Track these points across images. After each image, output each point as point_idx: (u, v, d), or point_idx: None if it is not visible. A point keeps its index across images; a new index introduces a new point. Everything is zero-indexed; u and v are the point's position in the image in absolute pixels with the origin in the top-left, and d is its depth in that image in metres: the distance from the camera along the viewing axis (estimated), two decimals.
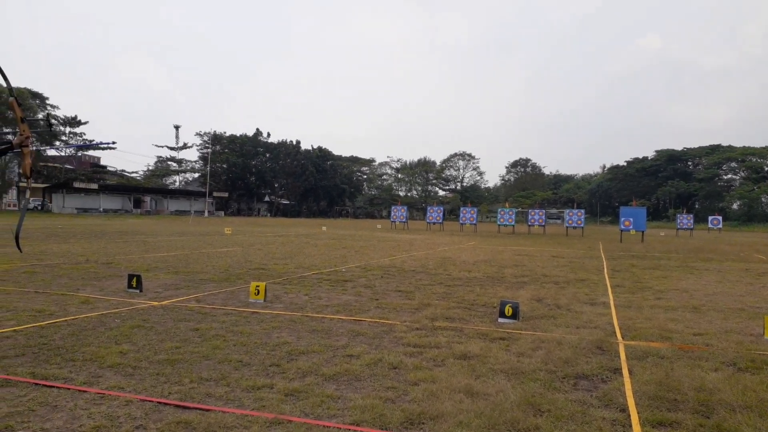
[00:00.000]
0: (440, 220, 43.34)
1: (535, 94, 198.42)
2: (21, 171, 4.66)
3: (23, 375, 4.01)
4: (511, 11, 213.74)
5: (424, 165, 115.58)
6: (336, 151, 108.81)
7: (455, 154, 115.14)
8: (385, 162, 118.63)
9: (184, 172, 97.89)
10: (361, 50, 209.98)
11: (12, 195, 70.49)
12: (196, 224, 41.34)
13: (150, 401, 3.57)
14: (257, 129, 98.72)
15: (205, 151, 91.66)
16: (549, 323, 6.50)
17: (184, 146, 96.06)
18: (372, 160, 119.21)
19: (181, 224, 40.43)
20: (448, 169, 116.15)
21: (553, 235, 36.59)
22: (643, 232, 30.98)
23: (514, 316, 6.55)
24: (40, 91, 70.02)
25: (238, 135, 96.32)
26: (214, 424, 3.23)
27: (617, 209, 45.09)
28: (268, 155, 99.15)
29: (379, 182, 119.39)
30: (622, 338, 5.85)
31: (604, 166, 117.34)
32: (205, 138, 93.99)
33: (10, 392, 3.67)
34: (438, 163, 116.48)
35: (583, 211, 41.12)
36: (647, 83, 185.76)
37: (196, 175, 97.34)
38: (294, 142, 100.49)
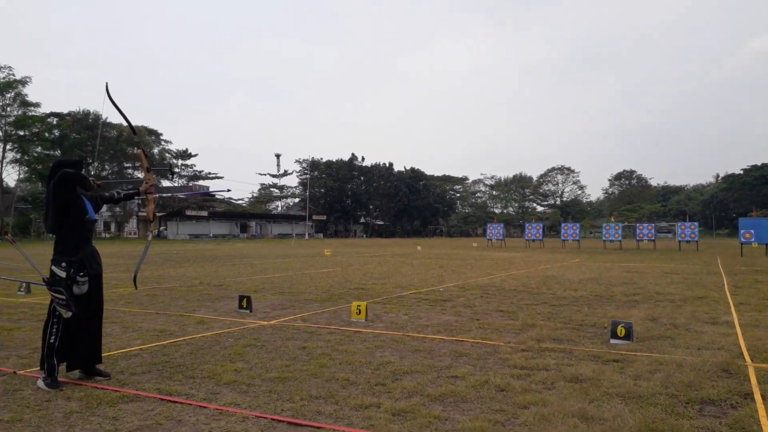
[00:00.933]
0: (540, 237, 42.06)
1: (635, 104, 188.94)
2: (146, 215, 5.09)
3: (150, 390, 4.31)
4: (598, 21, 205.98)
5: (520, 181, 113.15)
6: (428, 171, 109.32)
7: (553, 169, 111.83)
8: (479, 179, 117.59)
9: (286, 197, 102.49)
10: (446, 73, 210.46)
11: (132, 224, 76.74)
12: (297, 246, 42.89)
13: (264, 418, 3.70)
14: (352, 154, 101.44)
15: (304, 177, 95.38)
16: (666, 344, 6.07)
17: (285, 173, 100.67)
18: (465, 179, 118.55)
19: (284, 247, 42.09)
20: (546, 184, 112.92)
21: (665, 250, 34.34)
22: (767, 244, 28.35)
23: (628, 336, 6.18)
24: (155, 128, 76.10)
25: (334, 160, 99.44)
26: None
27: (735, 221, 41.60)
28: (362, 178, 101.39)
29: (473, 200, 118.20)
30: (752, 360, 5.35)
31: (718, 176, 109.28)
32: (304, 164, 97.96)
33: (139, 406, 3.95)
34: (535, 179, 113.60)
35: (696, 223, 38.28)
36: (761, 85, 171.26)
37: (297, 199, 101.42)
38: (387, 165, 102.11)
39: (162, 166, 64.90)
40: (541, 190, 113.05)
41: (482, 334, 6.70)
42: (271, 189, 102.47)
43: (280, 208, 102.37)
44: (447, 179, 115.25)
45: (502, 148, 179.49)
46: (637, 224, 42.21)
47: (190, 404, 3.98)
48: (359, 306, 7.76)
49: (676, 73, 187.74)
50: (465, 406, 4.04)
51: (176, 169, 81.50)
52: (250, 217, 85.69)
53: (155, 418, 3.70)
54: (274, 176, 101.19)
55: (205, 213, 76.06)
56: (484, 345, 6.10)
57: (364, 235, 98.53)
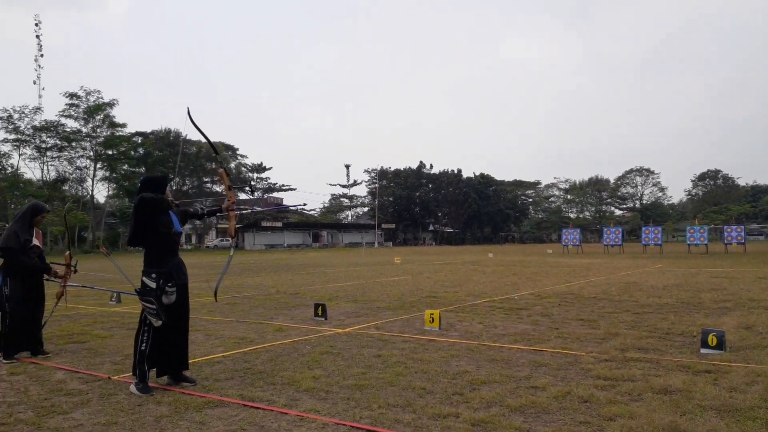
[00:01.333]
0: (619, 242, 40.34)
1: (720, 100, 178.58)
2: (228, 231, 5.32)
3: (233, 396, 4.46)
4: (679, 15, 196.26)
5: (596, 184, 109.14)
6: (498, 177, 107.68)
7: (631, 170, 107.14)
8: (552, 183, 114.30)
9: (355, 206, 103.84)
10: (515, 74, 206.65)
11: (212, 235, 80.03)
12: (368, 255, 43.30)
13: (344, 425, 3.74)
14: (420, 161, 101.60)
15: (373, 186, 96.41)
16: (764, 354, 5.66)
17: (354, 183, 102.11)
18: (537, 183, 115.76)
19: (355, 256, 42.61)
20: (624, 187, 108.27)
21: (757, 254, 32.10)
22: None
23: (720, 346, 5.81)
24: (231, 143, 79.21)
25: (402, 168, 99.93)
26: None
27: None
28: (430, 186, 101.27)
29: (546, 205, 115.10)
30: None
31: None
32: (373, 174, 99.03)
33: (224, 412, 4.09)
34: (612, 181, 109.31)
35: None
36: None
37: (366, 209, 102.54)
38: (455, 171, 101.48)
39: (242, 183, 67.60)
40: (619, 193, 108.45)
41: (562, 344, 6.49)
42: (342, 199, 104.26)
43: (350, 218, 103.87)
44: (518, 184, 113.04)
45: (576, 150, 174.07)
46: (725, 227, 39.75)
47: (272, 410, 4.08)
48: (432, 314, 7.72)
49: (756, 68, 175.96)
50: (547, 417, 3.92)
51: (252, 183, 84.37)
52: (321, 227, 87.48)
53: (239, 423, 3.82)
54: (344, 186, 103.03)
55: (279, 224, 78.32)
56: (565, 355, 5.91)
57: (433, 243, 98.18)
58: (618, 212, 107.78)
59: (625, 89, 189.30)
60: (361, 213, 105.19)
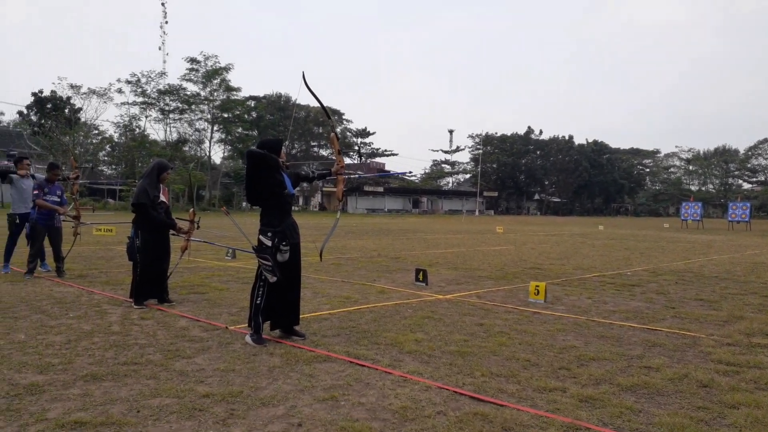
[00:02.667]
0: (746, 218, 37.00)
1: None
2: (335, 195, 5.41)
3: (340, 353, 4.62)
4: None
5: (723, 154, 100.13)
6: (613, 144, 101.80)
7: (764, 140, 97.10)
8: (673, 153, 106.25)
9: (457, 173, 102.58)
10: (634, 35, 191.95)
11: (317, 198, 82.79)
12: (468, 223, 42.92)
13: (447, 389, 3.76)
14: (528, 127, 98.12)
15: (476, 152, 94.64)
16: None
17: (457, 149, 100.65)
18: (656, 152, 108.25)
19: (455, 223, 42.41)
20: (755, 158, 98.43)
21: None
22: None
23: None
24: (337, 108, 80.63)
25: (509, 134, 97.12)
26: (509, 420, 3.25)
27: None
28: (538, 152, 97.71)
29: (665, 176, 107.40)
30: None
31: None
32: (477, 140, 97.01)
33: (331, 367, 4.25)
34: (741, 152, 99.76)
35: None
36: None
37: (468, 175, 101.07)
38: (566, 138, 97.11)
39: (350, 148, 69.14)
40: (749, 165, 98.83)
41: (679, 324, 6.09)
42: (443, 165, 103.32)
43: (451, 184, 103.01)
44: (635, 153, 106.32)
45: (702, 118, 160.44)
46: None
47: (377, 369, 4.19)
48: (537, 286, 7.51)
49: None
50: (661, 399, 3.71)
51: (359, 149, 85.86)
52: (422, 192, 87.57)
53: (345, 379, 3.96)
54: (446, 152, 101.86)
55: (381, 189, 79.43)
56: (682, 336, 5.54)
57: (538, 213, 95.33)
58: (746, 186, 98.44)
59: (762, 52, 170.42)
60: (462, 180, 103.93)
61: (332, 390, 3.72)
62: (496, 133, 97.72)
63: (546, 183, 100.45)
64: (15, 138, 64.16)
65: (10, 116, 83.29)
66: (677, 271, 11.20)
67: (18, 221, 8.79)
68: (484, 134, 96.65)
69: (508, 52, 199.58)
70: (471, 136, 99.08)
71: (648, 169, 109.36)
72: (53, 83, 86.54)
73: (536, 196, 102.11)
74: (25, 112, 56.52)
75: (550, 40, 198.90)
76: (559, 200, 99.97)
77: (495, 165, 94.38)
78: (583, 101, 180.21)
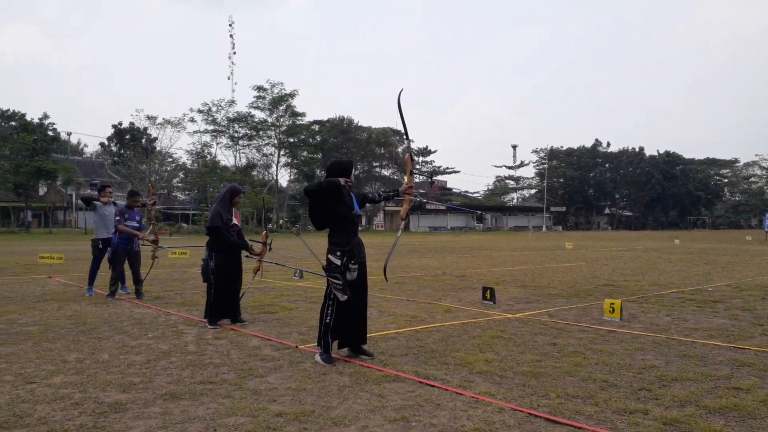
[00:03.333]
0: None
1: None
2: (400, 214, 5.41)
3: (409, 372, 4.58)
4: None
5: None
6: (687, 155, 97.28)
7: None
8: (753, 161, 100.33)
9: (521, 189, 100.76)
10: (708, 42, 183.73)
11: (379, 218, 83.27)
12: (535, 239, 41.96)
13: (521, 411, 3.65)
14: (596, 140, 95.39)
15: (541, 167, 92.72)
16: None
17: (521, 164, 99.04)
18: (734, 161, 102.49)
19: (521, 239, 41.55)
20: None
21: None
22: None
23: None
24: (399, 128, 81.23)
25: (575, 148, 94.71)
26: None
27: None
28: (607, 165, 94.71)
29: (745, 186, 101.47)
30: None
31: None
32: (542, 154, 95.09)
33: (401, 387, 4.22)
34: None
35: None
36: None
37: (533, 191, 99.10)
38: (636, 150, 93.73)
39: (423, 171, 69.45)
40: None
41: None
42: (507, 181, 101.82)
43: (515, 200, 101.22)
44: (711, 163, 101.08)
45: None
46: None
47: (447, 389, 4.12)
48: (613, 304, 7.22)
49: None
50: (754, 423, 3.46)
51: (429, 172, 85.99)
52: (485, 209, 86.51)
53: (415, 399, 3.91)
54: (509, 168, 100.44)
55: (443, 206, 79.08)
56: None
57: (609, 228, 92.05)
58: None
59: None
60: (527, 195, 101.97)
61: (403, 410, 3.68)
62: (562, 147, 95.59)
63: (616, 197, 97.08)
64: (97, 168, 68.41)
65: (93, 148, 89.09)
66: (764, 286, 10.49)
67: (101, 246, 9.31)
68: (549, 148, 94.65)
69: (570, 64, 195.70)
70: (535, 151, 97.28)
71: (726, 180, 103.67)
72: (131, 115, 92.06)
73: (606, 211, 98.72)
74: (107, 143, 60.13)
75: (613, 51, 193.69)
76: (630, 214, 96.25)
77: (561, 179, 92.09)
78: (652, 112, 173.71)
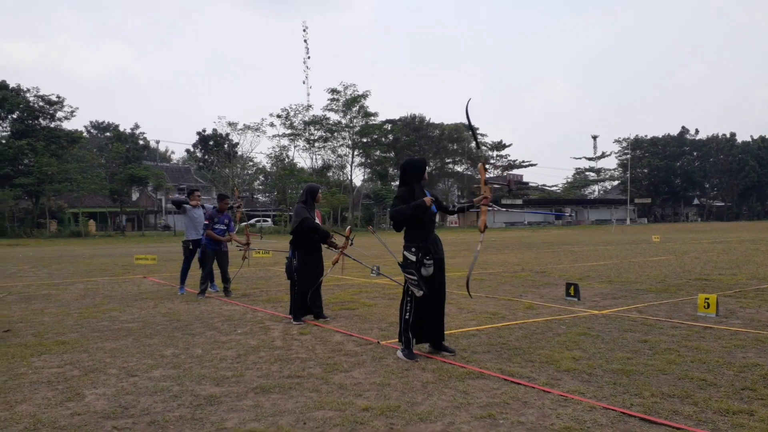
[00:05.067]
0: None
1: None
2: (479, 226, 5.33)
3: (493, 370, 4.52)
4: None
5: None
6: None
7: None
8: None
9: (603, 181, 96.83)
10: None
11: (447, 220, 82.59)
12: (619, 233, 40.26)
13: (613, 410, 3.52)
14: (682, 127, 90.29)
15: (624, 157, 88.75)
16: None
17: (602, 155, 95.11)
18: None
19: (603, 233, 39.98)
20: None
21: None
22: None
23: None
24: (473, 124, 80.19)
25: (660, 136, 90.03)
26: None
27: None
28: (695, 154, 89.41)
29: None
30: None
31: None
32: (624, 144, 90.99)
33: (485, 384, 4.18)
34: None
35: None
36: None
37: (615, 182, 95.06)
38: (727, 136, 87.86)
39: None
40: None
41: None
42: (587, 173, 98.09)
43: (596, 193, 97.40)
44: None
45: None
46: None
47: (534, 387, 4.04)
48: (707, 299, 6.81)
49: None
50: None
51: (492, 160, 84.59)
52: (564, 203, 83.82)
53: (501, 397, 3.86)
54: (590, 159, 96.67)
55: (519, 201, 77.46)
56: None
57: (698, 219, 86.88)
58: None
59: None
60: (609, 187, 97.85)
61: (489, 408, 3.64)
62: (646, 136, 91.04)
63: (706, 186, 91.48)
64: (184, 173, 72.10)
65: (179, 154, 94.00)
66: None
67: (191, 247, 9.80)
68: (632, 137, 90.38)
69: (652, 48, 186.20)
70: (617, 141, 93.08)
71: None
72: (214, 122, 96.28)
73: (695, 201, 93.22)
74: (192, 149, 63.25)
75: (698, 31, 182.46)
76: (722, 204, 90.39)
77: (646, 170, 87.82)
78: (744, 95, 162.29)
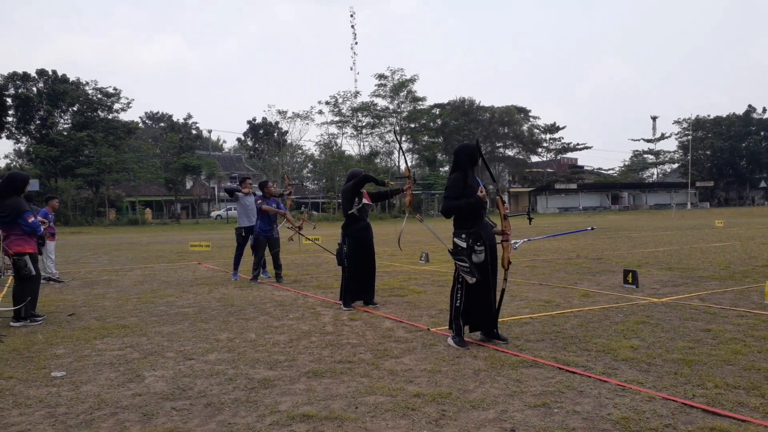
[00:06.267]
0: None
1: None
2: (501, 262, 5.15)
3: (547, 358, 4.42)
4: None
5: None
6: None
7: None
8: None
9: (662, 163, 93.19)
10: None
11: (504, 199, 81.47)
12: (679, 217, 38.75)
13: (674, 401, 3.38)
14: (749, 106, 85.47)
15: (684, 138, 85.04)
16: None
17: (662, 137, 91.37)
18: None
19: (663, 218, 38.57)
20: None
21: None
22: None
23: None
24: (523, 106, 78.61)
25: (724, 116, 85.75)
26: None
27: None
28: (762, 134, 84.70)
29: None
30: None
31: None
32: (685, 125, 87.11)
33: (539, 372, 4.09)
34: None
35: None
36: None
37: (675, 165, 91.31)
38: None
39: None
40: None
41: None
42: (645, 155, 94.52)
43: (655, 176, 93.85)
44: None
45: None
46: None
47: (590, 376, 3.93)
48: None
49: None
50: None
51: (545, 144, 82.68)
52: (621, 187, 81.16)
53: (556, 386, 3.77)
54: (648, 141, 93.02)
55: (574, 186, 75.54)
56: None
57: (765, 203, 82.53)
58: None
59: None
60: (669, 170, 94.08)
61: (543, 396, 3.56)
62: (708, 116, 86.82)
63: None
64: (235, 162, 73.69)
65: (231, 143, 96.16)
66: None
67: (244, 234, 10.01)
68: (693, 118, 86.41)
69: (715, 25, 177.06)
70: (677, 122, 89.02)
71: None
72: (264, 111, 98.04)
73: (762, 184, 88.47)
74: (243, 138, 64.60)
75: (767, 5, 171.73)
76: None
77: (708, 151, 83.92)
78: None
